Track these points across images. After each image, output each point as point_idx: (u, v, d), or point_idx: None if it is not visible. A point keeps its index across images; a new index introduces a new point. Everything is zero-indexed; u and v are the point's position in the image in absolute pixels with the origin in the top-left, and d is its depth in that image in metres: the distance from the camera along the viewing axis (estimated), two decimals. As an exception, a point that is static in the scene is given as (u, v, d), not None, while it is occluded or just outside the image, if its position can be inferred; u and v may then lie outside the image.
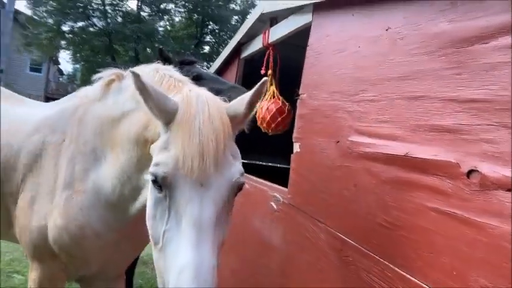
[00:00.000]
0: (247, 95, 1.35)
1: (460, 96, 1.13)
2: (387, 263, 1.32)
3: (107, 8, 24.63)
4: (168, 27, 27.70)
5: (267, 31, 2.82)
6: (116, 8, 25.09)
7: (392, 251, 1.31)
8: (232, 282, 2.82)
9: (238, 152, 1.37)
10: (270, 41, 2.76)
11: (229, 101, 2.76)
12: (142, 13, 25.51)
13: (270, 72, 2.68)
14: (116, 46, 24.99)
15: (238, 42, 3.35)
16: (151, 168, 1.22)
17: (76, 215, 1.74)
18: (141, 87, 1.25)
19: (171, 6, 26.20)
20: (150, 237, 1.25)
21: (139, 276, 4.76)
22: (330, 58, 1.87)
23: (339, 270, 1.58)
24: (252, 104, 1.36)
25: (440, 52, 1.23)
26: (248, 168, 3.02)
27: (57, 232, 1.77)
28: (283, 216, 2.17)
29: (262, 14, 2.80)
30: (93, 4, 24.58)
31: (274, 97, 2.57)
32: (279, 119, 2.47)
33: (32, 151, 1.87)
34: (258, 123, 2.60)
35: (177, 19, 28.04)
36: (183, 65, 3.11)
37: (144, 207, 1.69)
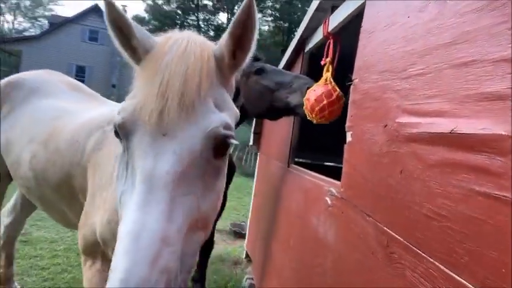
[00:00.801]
0: (229, 26, 1.12)
1: (510, 55, 0.92)
2: (432, 259, 1.12)
3: (201, 23, 26.33)
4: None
5: (327, 20, 2.70)
6: (209, 22, 26.68)
7: (438, 245, 1.11)
8: (293, 282, 2.72)
9: (230, 103, 1.13)
10: (330, 29, 2.63)
11: (293, 90, 2.72)
12: (225, 20, 26.75)
13: (328, 59, 2.54)
14: (208, 58, 26.48)
15: (301, 36, 3.26)
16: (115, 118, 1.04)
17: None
18: (116, 16, 1.06)
19: (259, 15, 26.98)
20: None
21: (215, 272, 4.90)
22: (380, 35, 1.69)
23: (385, 269, 1.40)
24: (235, 37, 1.11)
25: (490, 6, 1.02)
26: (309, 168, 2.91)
27: (102, 227, 1.73)
28: (336, 212, 2.02)
29: (320, 3, 2.68)
30: (189, 21, 26.49)
31: (329, 82, 2.41)
32: (325, 102, 2.26)
33: (93, 148, 1.92)
34: (304, 107, 2.45)
35: (264, 28, 28.76)
36: (253, 61, 3.14)
37: None
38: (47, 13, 44.17)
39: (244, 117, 3.31)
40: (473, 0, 1.09)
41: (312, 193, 2.57)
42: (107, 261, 1.79)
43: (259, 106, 3.05)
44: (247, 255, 5.51)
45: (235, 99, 3.15)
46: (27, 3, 44.77)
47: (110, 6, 1.06)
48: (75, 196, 1.97)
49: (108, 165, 1.75)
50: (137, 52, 1.12)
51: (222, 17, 27.50)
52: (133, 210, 0.85)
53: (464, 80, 1.08)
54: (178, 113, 0.95)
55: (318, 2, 2.69)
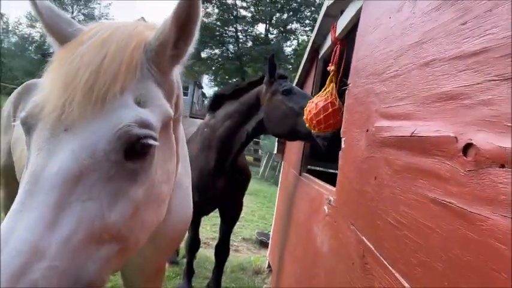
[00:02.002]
0: (172, 11, 0.98)
1: (464, 51, 0.86)
2: (394, 271, 1.06)
3: (239, 34, 26.79)
4: (294, 47, 28.58)
5: (335, 26, 2.65)
6: (247, 33, 27.08)
7: (398, 255, 1.04)
8: (297, 293, 2.65)
9: (159, 100, 0.99)
10: (337, 34, 2.58)
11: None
12: (270, 35, 26.96)
13: (333, 68, 2.49)
14: (246, 68, 26.85)
15: (314, 42, 3.22)
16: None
17: None
18: (43, 4, 0.99)
19: (296, 25, 27.03)
20: None
21: (234, 281, 4.88)
22: (369, 38, 1.64)
23: (360, 281, 1.34)
24: (180, 23, 0.99)
25: (449, 2, 0.96)
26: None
27: None
28: (330, 221, 1.96)
29: (329, 8, 2.65)
30: (227, 32, 27.06)
31: (330, 95, 2.36)
32: (321, 116, 2.24)
33: None
34: (304, 117, 2.42)
35: (303, 37, 28.75)
36: (279, 78, 3.17)
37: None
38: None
39: (261, 131, 3.31)
40: (437, -4, 1.04)
41: (315, 202, 2.51)
42: None
43: (280, 126, 3.07)
44: (269, 265, 5.45)
45: (255, 111, 3.19)
46: (81, 17, 47.75)
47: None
48: None
49: None
50: (64, 43, 1.01)
51: (261, 27, 27.89)
52: (9, 214, 0.73)
53: (425, 81, 1.02)
54: (84, 107, 0.82)
55: (325, 7, 2.66)
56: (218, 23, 26.55)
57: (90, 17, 47.89)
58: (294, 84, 3.52)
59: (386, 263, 1.11)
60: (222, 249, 4.11)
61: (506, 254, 0.63)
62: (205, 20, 25.62)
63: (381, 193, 1.23)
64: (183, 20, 1.01)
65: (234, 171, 3.52)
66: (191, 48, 1.09)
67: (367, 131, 1.45)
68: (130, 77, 0.92)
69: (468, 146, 0.78)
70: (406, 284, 0.97)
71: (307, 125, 2.40)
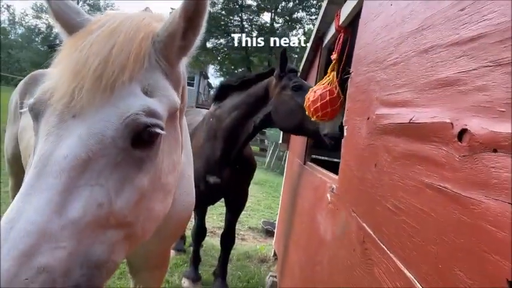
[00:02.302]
0: (181, 2, 1.00)
1: (462, 38, 0.86)
2: (392, 255, 1.08)
3: (244, 23, 26.62)
4: (300, 37, 28.35)
5: (338, 13, 2.64)
6: (252, 22, 26.88)
7: (396, 240, 1.06)
8: (300, 281, 2.69)
9: (166, 90, 1.00)
10: (340, 22, 2.57)
11: (325, 127, 2.70)
12: (275, 24, 26.74)
13: (335, 57, 2.49)
14: (252, 58, 26.71)
15: (318, 30, 3.21)
16: None
17: None
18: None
19: (302, 14, 26.79)
20: None
21: (240, 268, 4.94)
22: (371, 25, 1.64)
23: (360, 266, 1.36)
24: (189, 15, 1.01)
25: (448, -13, 0.96)
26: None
27: None
28: (332, 208, 1.98)
29: (332, -4, 2.63)
30: (233, 21, 26.90)
31: (330, 83, 2.35)
32: (318, 104, 2.25)
33: None
34: (304, 104, 2.43)
35: (309, 26, 28.47)
36: (289, 72, 3.16)
37: None
38: (103, 18, 46.66)
39: (268, 124, 3.33)
40: (437, -18, 1.04)
41: (319, 190, 2.52)
42: None
43: (288, 121, 3.09)
44: (275, 254, 5.50)
45: (263, 104, 3.19)
46: (87, 8, 47.71)
47: None
48: None
49: None
50: (72, 32, 1.03)
51: (266, 16, 27.69)
52: (17, 197, 0.74)
53: (424, 68, 1.03)
54: (93, 95, 0.84)
55: (329, -5, 2.64)
56: (223, 12, 26.40)
57: (95, 8, 47.87)
58: (298, 74, 3.51)
59: (384, 248, 1.13)
60: (228, 238, 4.15)
61: (497, 236, 0.64)
62: (210, 9, 25.41)
63: (380, 180, 1.24)
64: (192, 12, 1.02)
65: (239, 162, 3.54)
66: (198, 40, 1.11)
67: (368, 119, 1.45)
68: (138, 66, 0.93)
69: (463, 132, 0.79)
70: (403, 268, 0.99)
71: (306, 112, 2.41)
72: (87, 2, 47.27)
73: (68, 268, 0.73)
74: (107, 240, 0.84)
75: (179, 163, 1.22)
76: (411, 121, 1.03)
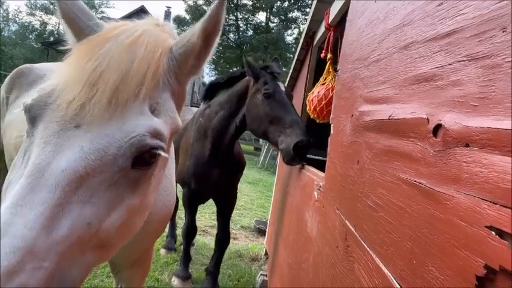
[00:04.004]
0: (200, 22, 1.00)
1: (439, 33, 0.86)
2: (371, 252, 1.07)
3: (240, 22, 26.58)
4: (295, 36, 28.38)
5: (328, 11, 2.64)
6: (248, 21, 26.84)
7: (375, 237, 1.06)
8: (288, 279, 2.68)
9: (172, 112, 0.98)
10: (330, 20, 2.57)
11: (286, 134, 2.63)
12: (271, 24, 26.71)
13: (329, 55, 2.49)
14: (246, 57, 26.64)
15: (309, 29, 3.20)
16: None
17: None
18: None
19: (297, 14, 26.80)
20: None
21: (231, 267, 4.93)
22: (357, 23, 1.63)
23: (342, 263, 1.36)
24: (207, 34, 1.00)
25: (427, -18, 0.95)
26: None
27: None
28: (319, 206, 1.98)
29: (322, -6, 2.63)
30: (228, 20, 26.87)
31: (325, 82, 2.36)
32: (324, 102, 2.25)
33: None
34: (307, 108, 2.43)
35: (304, 26, 28.48)
36: (264, 72, 3.04)
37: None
38: (98, 15, 46.54)
39: (245, 126, 3.23)
40: (417, -22, 1.03)
41: (307, 188, 2.52)
42: None
43: (256, 127, 3.02)
44: (266, 253, 5.50)
45: (240, 106, 3.10)
46: (81, 6, 47.27)
47: None
48: None
49: None
50: (82, 34, 1.01)
51: (261, 16, 27.66)
52: (6, 206, 0.69)
53: (404, 64, 1.03)
54: (105, 108, 0.81)
55: (319, -7, 2.64)
56: (219, 11, 26.27)
57: (90, 5, 47.56)
58: (290, 72, 3.47)
59: (364, 245, 1.13)
60: (223, 238, 4.09)
61: (467, 231, 0.64)
62: (205, 8, 25.47)
63: (362, 177, 1.24)
64: (210, 31, 1.02)
65: (228, 161, 3.53)
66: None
67: (352, 116, 1.45)
68: (153, 85, 0.91)
69: (438, 127, 0.78)
70: (380, 265, 0.98)
71: (311, 116, 2.40)
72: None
73: None
74: (84, 263, 0.81)
75: (162, 179, 1.17)
76: (390, 117, 1.03)
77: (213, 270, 4.09)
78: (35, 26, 46.66)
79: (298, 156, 2.58)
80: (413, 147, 0.88)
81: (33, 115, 0.83)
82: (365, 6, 1.52)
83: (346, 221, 1.36)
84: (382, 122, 1.09)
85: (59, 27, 47.29)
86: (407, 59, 1.00)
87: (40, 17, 46.15)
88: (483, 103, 0.66)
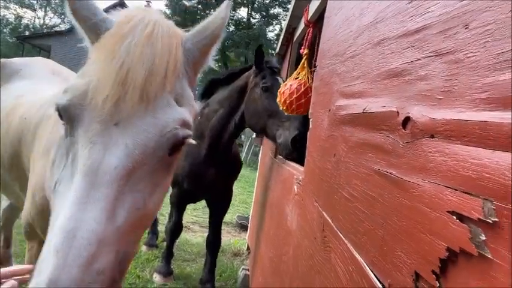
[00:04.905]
0: (208, 21, 1.10)
1: (409, 29, 0.90)
2: (346, 241, 1.11)
3: (221, 17, 26.43)
4: (276, 32, 28.40)
5: (307, 8, 2.67)
6: (229, 17, 26.67)
7: (350, 226, 1.10)
8: (269, 272, 2.72)
9: (192, 100, 1.04)
10: (309, 17, 2.60)
11: (284, 128, 2.63)
12: (252, 20, 26.64)
13: (306, 51, 2.52)
14: (228, 53, 26.54)
15: (289, 25, 3.24)
16: (58, 97, 0.93)
17: (44, 184, 1.45)
18: None
19: (279, 10, 26.84)
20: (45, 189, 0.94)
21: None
22: (334, 19, 1.67)
23: (320, 254, 1.40)
24: (215, 35, 1.09)
25: (399, -20, 0.99)
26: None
27: (28, 204, 1.62)
28: (298, 200, 2.02)
29: (301, -9, 2.65)
30: (209, 16, 26.67)
31: (297, 77, 2.39)
32: (294, 97, 2.28)
33: (35, 124, 1.80)
34: (277, 99, 2.45)
35: (285, 22, 28.51)
36: (268, 69, 3.04)
37: None
38: (75, 9, 45.31)
39: (244, 123, 3.21)
40: (390, -24, 1.07)
41: (287, 182, 2.56)
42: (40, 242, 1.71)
43: (254, 121, 3.02)
44: (248, 248, 5.54)
45: (241, 102, 3.08)
46: (58, -1, 46.22)
47: None
48: (26, 178, 1.81)
49: (44, 138, 1.64)
50: (93, 31, 1.03)
51: (243, 12, 27.58)
52: (71, 205, 0.77)
53: (377, 59, 1.06)
54: (137, 104, 0.86)
55: (298, -10, 2.67)
56: (200, 6, 26.12)
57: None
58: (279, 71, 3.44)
59: (340, 235, 1.17)
60: (215, 241, 4.00)
61: (431, 216, 0.68)
62: (186, 3, 25.23)
63: (338, 169, 1.27)
64: (217, 27, 1.11)
65: (225, 161, 3.48)
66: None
67: (329, 110, 1.49)
68: (175, 76, 0.97)
69: (407, 120, 0.82)
70: (354, 252, 1.02)
71: (281, 107, 2.43)
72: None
73: (115, 270, 0.81)
74: (136, 239, 0.93)
75: None
76: (364, 111, 1.06)
77: (209, 277, 3.93)
78: (10, 19, 45.28)
79: (296, 150, 2.58)
80: (385, 139, 0.92)
81: (71, 115, 0.88)
82: (342, 4, 1.55)
83: (324, 213, 1.40)
84: (356, 115, 1.12)
85: (34, 21, 46.04)
86: (380, 55, 1.04)
87: (15, 10, 44.77)
88: (447, 96, 0.70)
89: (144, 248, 4.89)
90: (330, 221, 1.31)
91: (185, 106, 1.01)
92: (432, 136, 0.71)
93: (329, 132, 1.45)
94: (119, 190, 0.83)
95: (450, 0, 0.74)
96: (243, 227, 6.93)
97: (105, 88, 0.87)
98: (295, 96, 2.26)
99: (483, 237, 0.55)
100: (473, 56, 0.64)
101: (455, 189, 0.62)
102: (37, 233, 1.69)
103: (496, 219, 0.53)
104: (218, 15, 1.15)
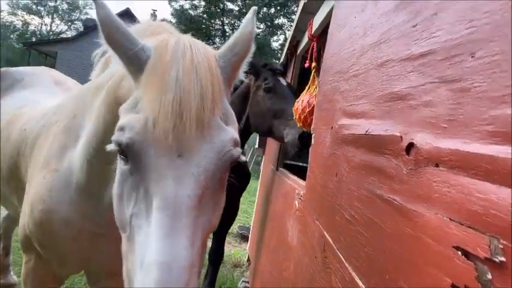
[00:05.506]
0: (237, 37, 1.10)
1: (413, 53, 0.88)
2: (347, 264, 1.09)
3: (226, 27, 26.62)
4: (281, 41, 28.56)
5: (311, 22, 2.67)
6: (234, 26, 26.89)
7: (351, 250, 1.08)
8: (270, 287, 2.69)
9: (233, 115, 1.08)
10: (313, 31, 2.60)
11: (291, 126, 2.58)
12: (257, 29, 26.77)
13: (313, 65, 2.52)
14: (232, 62, 26.57)
15: (293, 37, 3.24)
16: (115, 134, 0.95)
17: (43, 196, 1.50)
18: (105, 17, 0.98)
19: (283, 20, 27.00)
20: (116, 222, 1.01)
21: (212, 274, 4.89)
22: (337, 36, 1.66)
23: (320, 274, 1.37)
24: (244, 50, 1.11)
25: (403, 3, 0.98)
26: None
27: (26, 218, 1.59)
28: (299, 215, 1.99)
29: (306, 4, 2.66)
30: (214, 25, 26.91)
31: (310, 91, 2.39)
32: (307, 111, 2.28)
33: (35, 136, 1.78)
34: (295, 117, 2.44)
35: (290, 32, 28.66)
36: (264, 69, 3.05)
37: None
38: (82, 16, 45.96)
39: (249, 131, 3.16)
40: (394, -2, 1.06)
41: (288, 196, 2.54)
42: (40, 259, 1.68)
43: (260, 124, 2.98)
44: (249, 259, 5.49)
45: (245, 108, 3.03)
46: (65, 6, 46.74)
47: (101, 9, 0.98)
48: (23, 190, 1.76)
49: (44, 149, 1.62)
50: (120, 55, 1.03)
51: (248, 21, 27.48)
52: (159, 239, 0.82)
53: (380, 80, 1.05)
54: (195, 132, 0.90)
55: (302, 3, 2.67)
56: (205, 15, 26.33)
57: (74, 6, 46.95)
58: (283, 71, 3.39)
59: (341, 257, 1.14)
60: (218, 253, 3.90)
61: (435, 249, 0.66)
62: (191, 12, 25.44)
63: (340, 189, 1.25)
64: (247, 43, 1.13)
65: (232, 171, 3.41)
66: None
67: (332, 128, 1.47)
68: (220, 99, 1.00)
69: (410, 146, 0.80)
70: (356, 278, 1.00)
71: (298, 124, 2.41)
72: (66, 0, 46.29)
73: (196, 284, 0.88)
74: (203, 256, 0.99)
75: None
76: (367, 132, 1.05)
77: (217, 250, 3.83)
78: (17, 26, 45.80)
79: (305, 147, 2.54)
80: (387, 163, 0.90)
81: (135, 152, 0.91)
82: (346, 21, 1.55)
83: (325, 232, 1.38)
84: (359, 136, 1.11)
85: (41, 27, 46.53)
86: (384, 76, 1.03)
87: (22, 16, 45.29)
88: (452, 125, 0.68)
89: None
90: (331, 241, 1.28)
91: (231, 124, 1.04)
92: (437, 165, 0.70)
93: (331, 151, 1.43)
94: (195, 216, 0.89)
95: (455, 26, 0.73)
96: (244, 237, 6.88)
97: (165, 122, 0.89)
98: (308, 110, 2.25)
99: (489, 276, 0.53)
100: (480, 86, 0.62)
101: (461, 224, 0.60)
102: (34, 246, 1.67)
103: (503, 259, 0.51)
104: (245, 29, 1.15)
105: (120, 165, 0.98)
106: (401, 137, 0.85)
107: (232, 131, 1.00)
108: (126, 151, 0.92)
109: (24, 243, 1.70)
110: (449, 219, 0.63)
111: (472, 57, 0.66)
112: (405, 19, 0.96)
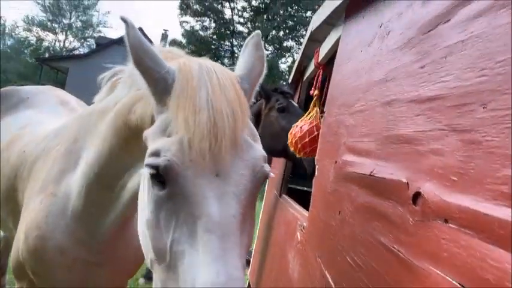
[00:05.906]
0: (253, 60, 1.16)
1: (421, 96, 0.85)
2: (348, 313, 1.03)
3: (235, 48, 26.95)
4: (289, 64, 28.83)
5: (318, 50, 2.66)
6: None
7: (353, 298, 1.01)
8: (269, 319, 2.59)
9: (257, 133, 1.09)
10: (320, 59, 2.59)
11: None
12: (265, 51, 27.06)
13: (316, 92, 2.49)
14: (240, 83, 26.81)
15: (300, 64, 3.23)
16: (148, 159, 0.92)
17: (40, 223, 1.46)
18: (134, 39, 0.98)
19: (292, 43, 27.31)
20: (147, 253, 0.97)
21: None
22: (343, 68, 1.64)
23: (321, 317, 1.30)
24: (261, 72, 1.18)
25: (411, 42, 0.95)
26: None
27: (20, 244, 1.54)
28: (301, 249, 1.93)
29: (313, 33, 2.66)
30: (223, 46, 27.29)
31: (314, 118, 2.35)
32: (307, 139, 2.23)
33: (34, 159, 1.75)
34: (288, 141, 2.40)
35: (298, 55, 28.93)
36: (275, 92, 3.08)
37: (121, 220, 1.42)
38: (95, 34, 46.92)
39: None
40: (401, 35, 1.03)
41: (290, 226, 2.47)
42: (30, 282, 1.62)
43: (273, 145, 2.92)
44: (249, 285, 5.35)
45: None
46: (79, 24, 47.81)
47: (129, 25, 0.98)
48: (19, 214, 1.71)
49: (43, 173, 1.58)
50: (147, 78, 1.02)
51: (257, 43, 27.84)
52: (212, 262, 0.82)
53: (386, 120, 1.01)
54: (230, 152, 0.91)
55: (309, 32, 2.67)
56: (214, 36, 26.74)
57: (88, 24, 48.03)
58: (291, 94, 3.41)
59: (343, 304, 1.08)
60: None
61: (444, 315, 0.60)
62: (201, 33, 25.85)
63: (343, 229, 1.20)
64: (260, 65, 1.17)
65: None
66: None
67: (336, 162, 1.43)
68: (248, 118, 1.01)
69: (417, 195, 0.76)
70: (357, 330, 0.94)
71: (291, 149, 2.38)
72: (80, 18, 47.41)
73: None
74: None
75: None
76: (372, 173, 1.00)
77: None
78: (31, 41, 46.81)
79: None
80: (393, 210, 0.85)
81: (174, 174, 0.89)
82: (352, 54, 1.52)
83: (326, 273, 1.31)
84: (363, 176, 1.06)
85: (54, 43, 47.54)
86: (390, 116, 0.99)
87: (37, 32, 46.36)
88: (462, 179, 0.63)
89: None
90: (332, 284, 1.22)
91: (257, 140, 1.05)
92: (446, 221, 0.65)
93: (335, 186, 1.38)
94: (240, 234, 0.89)
95: (466, 73, 0.69)
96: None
97: (201, 142, 0.89)
98: (307, 139, 2.21)
99: None
100: (492, 140, 0.58)
101: (472, 292, 0.54)
102: (27, 274, 1.61)
103: None
104: (257, 53, 1.18)
105: (154, 192, 0.93)
106: (407, 183, 0.81)
107: (260, 148, 1.01)
108: (164, 174, 0.89)
109: (17, 269, 1.65)
110: (460, 285, 0.58)
111: (483, 108, 0.62)
112: (413, 59, 0.92)
